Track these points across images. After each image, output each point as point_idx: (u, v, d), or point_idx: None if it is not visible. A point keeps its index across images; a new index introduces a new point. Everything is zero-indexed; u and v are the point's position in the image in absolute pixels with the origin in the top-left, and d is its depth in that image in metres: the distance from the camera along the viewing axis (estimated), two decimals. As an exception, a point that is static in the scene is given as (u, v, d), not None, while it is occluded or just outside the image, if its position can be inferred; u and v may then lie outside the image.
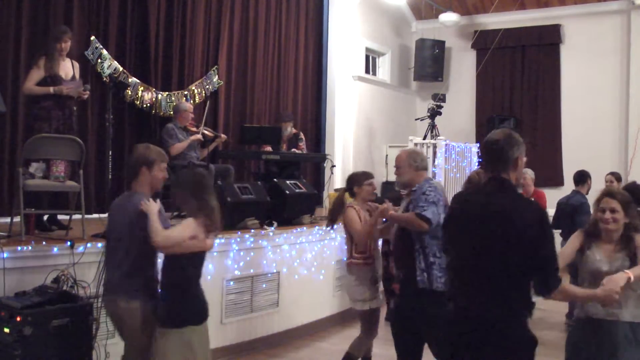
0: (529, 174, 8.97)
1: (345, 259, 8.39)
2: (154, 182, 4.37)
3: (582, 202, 7.87)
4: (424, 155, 5.09)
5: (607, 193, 4.08)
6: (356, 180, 5.68)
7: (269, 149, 9.13)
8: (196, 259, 4.22)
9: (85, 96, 6.50)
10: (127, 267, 4.19)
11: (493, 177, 3.31)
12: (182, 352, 4.05)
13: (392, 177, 11.99)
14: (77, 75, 6.48)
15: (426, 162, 5.01)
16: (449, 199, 4.32)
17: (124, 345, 4.34)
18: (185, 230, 4.11)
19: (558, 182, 12.48)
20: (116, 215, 4.41)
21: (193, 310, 4.16)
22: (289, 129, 9.76)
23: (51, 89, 6.03)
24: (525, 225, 3.13)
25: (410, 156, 4.94)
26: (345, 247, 5.84)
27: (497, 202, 3.23)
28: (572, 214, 7.81)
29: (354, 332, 8.19)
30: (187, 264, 4.15)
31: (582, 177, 8.20)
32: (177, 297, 4.12)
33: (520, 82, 13.45)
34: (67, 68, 6.34)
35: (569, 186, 9.25)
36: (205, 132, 8.27)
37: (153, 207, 4.12)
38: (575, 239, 4.15)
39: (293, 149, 9.55)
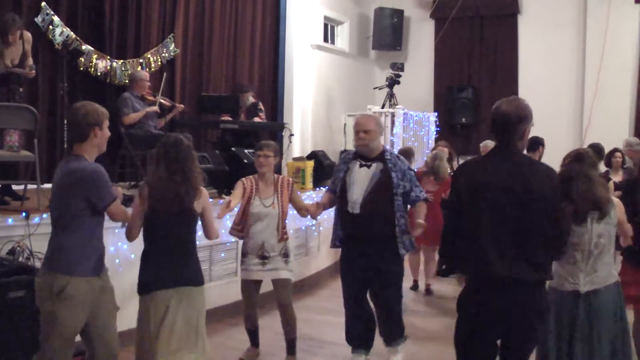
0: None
1: (304, 227, 8.43)
2: (102, 142, 4.09)
3: None
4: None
5: None
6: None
7: (227, 118, 9.05)
8: None
9: (31, 76, 6.45)
10: None
11: (501, 146, 3.54)
12: None
13: (350, 146, 12.09)
14: (29, 49, 6.37)
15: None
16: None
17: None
18: None
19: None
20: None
21: None
22: (250, 99, 9.66)
23: None
24: (545, 187, 3.38)
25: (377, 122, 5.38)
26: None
27: (516, 168, 3.42)
28: None
29: (310, 300, 8.29)
30: None
31: (533, 144, 8.17)
32: None
33: (479, 51, 13.52)
34: (14, 52, 6.23)
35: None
36: (162, 101, 8.15)
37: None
38: None
39: (253, 118, 9.44)
